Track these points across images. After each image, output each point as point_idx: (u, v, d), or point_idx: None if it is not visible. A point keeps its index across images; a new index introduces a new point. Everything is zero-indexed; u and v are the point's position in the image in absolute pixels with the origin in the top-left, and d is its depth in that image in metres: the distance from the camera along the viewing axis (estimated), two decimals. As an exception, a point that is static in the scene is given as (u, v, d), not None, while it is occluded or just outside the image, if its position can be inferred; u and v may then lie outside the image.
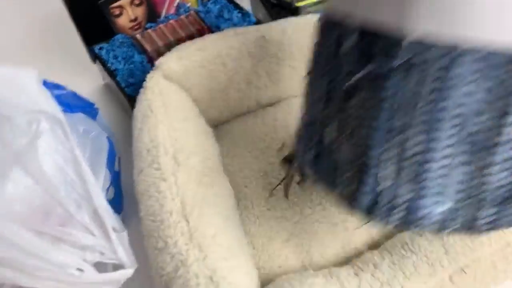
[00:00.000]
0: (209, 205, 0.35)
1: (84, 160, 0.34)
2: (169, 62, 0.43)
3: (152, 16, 0.62)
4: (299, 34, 0.48)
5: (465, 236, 0.34)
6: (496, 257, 0.34)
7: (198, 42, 0.45)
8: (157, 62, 0.43)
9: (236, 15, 0.61)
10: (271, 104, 0.51)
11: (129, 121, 0.53)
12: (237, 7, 0.63)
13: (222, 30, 0.59)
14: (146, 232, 0.34)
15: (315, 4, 0.63)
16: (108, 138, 0.43)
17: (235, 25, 0.60)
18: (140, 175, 0.38)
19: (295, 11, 0.61)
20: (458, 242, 0.34)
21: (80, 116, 0.41)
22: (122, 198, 0.45)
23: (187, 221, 0.33)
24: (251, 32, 0.47)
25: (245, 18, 0.61)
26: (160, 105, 0.40)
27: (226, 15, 0.61)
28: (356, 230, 0.39)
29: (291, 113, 0.48)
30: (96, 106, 0.45)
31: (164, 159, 0.37)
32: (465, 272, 0.33)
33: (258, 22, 0.60)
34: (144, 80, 0.47)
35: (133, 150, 0.40)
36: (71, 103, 0.41)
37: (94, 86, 0.63)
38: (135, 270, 0.36)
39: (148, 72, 0.45)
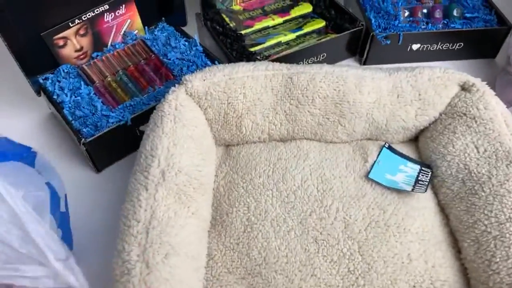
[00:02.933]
0: (174, 224, 0.38)
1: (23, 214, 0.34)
2: (194, 80, 0.46)
3: (99, 45, 0.61)
4: (326, 84, 0.48)
5: None
6: None
7: (227, 68, 0.47)
8: (183, 78, 0.47)
9: (183, 43, 0.62)
10: (282, 140, 0.52)
11: (78, 152, 0.56)
12: (184, 34, 0.64)
13: (170, 58, 0.60)
14: (118, 232, 0.38)
15: (257, 31, 0.66)
16: (48, 183, 0.41)
17: (182, 53, 0.61)
18: (133, 176, 0.42)
19: (239, 39, 0.63)
20: None
21: (14, 165, 0.38)
22: (71, 236, 0.45)
23: (147, 234, 0.36)
24: (281, 70, 0.48)
25: (192, 46, 0.61)
26: (170, 120, 0.44)
27: (173, 43, 0.62)
28: (309, 293, 0.40)
29: (297, 155, 0.49)
30: (33, 149, 0.43)
31: (154, 170, 0.40)
32: None
33: (204, 49, 0.61)
34: (91, 113, 0.52)
35: (139, 149, 0.44)
36: (4, 150, 0.39)
37: (41, 116, 0.61)
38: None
39: (95, 105, 0.49)
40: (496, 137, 0.44)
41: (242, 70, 0.48)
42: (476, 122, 0.46)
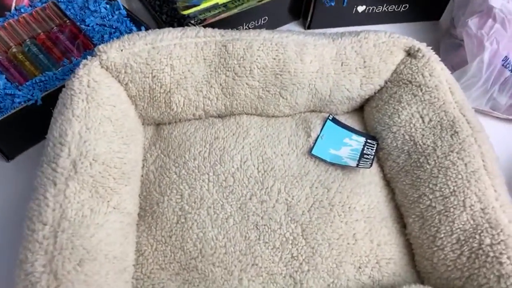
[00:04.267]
0: (90, 224, 0.33)
1: None
2: (110, 51, 0.39)
3: (-1, 8, 0.51)
4: (264, 52, 0.43)
5: None
6: None
7: (149, 36, 0.41)
8: (96, 49, 0.39)
9: (104, 6, 0.54)
10: (220, 116, 0.47)
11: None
12: None
13: (88, 24, 0.51)
14: (22, 238, 0.32)
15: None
16: None
17: (103, 18, 0.53)
18: (39, 168, 0.35)
19: (169, 0, 0.56)
20: None
21: None
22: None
23: (56, 239, 0.31)
24: (214, 37, 0.42)
25: (114, 10, 0.53)
26: (82, 99, 0.37)
27: (92, 6, 0.54)
28: (249, 283, 0.37)
29: (236, 133, 0.44)
30: None
31: (64, 161, 0.34)
32: None
33: (129, 13, 0.53)
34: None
35: (47, 136, 0.37)
36: None
37: None
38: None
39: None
40: (441, 105, 0.42)
41: (167, 37, 0.41)
42: (421, 90, 0.44)
